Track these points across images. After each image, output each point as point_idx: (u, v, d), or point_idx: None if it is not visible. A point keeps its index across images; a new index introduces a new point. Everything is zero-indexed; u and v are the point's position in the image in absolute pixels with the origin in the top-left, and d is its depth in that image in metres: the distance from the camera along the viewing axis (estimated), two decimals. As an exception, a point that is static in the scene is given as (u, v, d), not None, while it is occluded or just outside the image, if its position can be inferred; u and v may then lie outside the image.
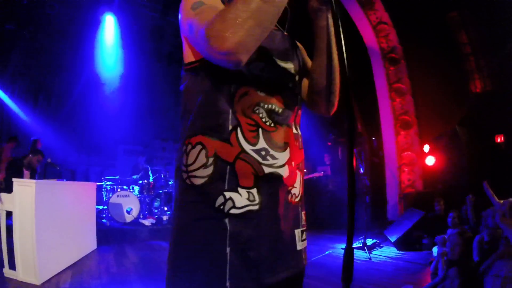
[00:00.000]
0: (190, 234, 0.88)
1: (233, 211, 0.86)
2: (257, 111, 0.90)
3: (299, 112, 1.06)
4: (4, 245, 3.34)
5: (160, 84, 10.24)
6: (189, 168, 0.90)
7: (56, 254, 3.67)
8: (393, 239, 5.47)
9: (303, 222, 1.04)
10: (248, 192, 0.87)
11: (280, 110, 0.95)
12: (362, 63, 8.06)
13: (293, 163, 0.96)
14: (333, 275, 3.99)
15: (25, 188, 3.33)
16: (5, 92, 7.98)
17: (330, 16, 1.01)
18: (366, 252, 4.99)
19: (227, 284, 0.83)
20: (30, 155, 5.78)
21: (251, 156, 0.88)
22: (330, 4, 0.91)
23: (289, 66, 1.01)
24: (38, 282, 3.22)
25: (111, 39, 8.65)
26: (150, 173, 7.44)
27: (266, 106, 0.92)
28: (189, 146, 0.91)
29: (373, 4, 7.61)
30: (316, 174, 7.82)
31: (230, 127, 0.88)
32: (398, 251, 5.27)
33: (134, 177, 7.22)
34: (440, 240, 4.07)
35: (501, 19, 5.89)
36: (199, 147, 0.89)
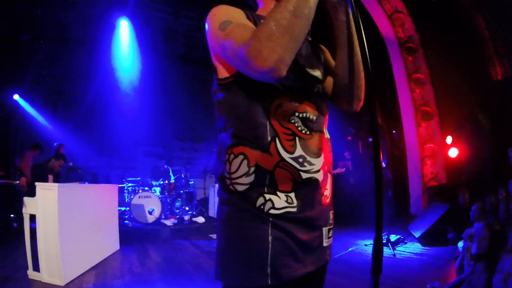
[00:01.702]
0: (236, 224, 0.96)
1: (272, 211, 0.93)
2: (292, 121, 0.95)
3: (327, 116, 1.10)
4: (28, 248, 3.43)
5: (176, 85, 10.32)
6: (232, 176, 0.96)
7: (79, 255, 3.74)
8: (417, 234, 5.34)
9: (331, 221, 1.09)
10: (287, 196, 0.95)
11: (315, 118, 1.00)
12: (379, 54, 7.89)
13: (326, 167, 1.03)
14: (357, 271, 3.94)
15: (47, 192, 3.41)
16: (26, 100, 8.22)
17: (349, 10, 1.04)
18: (390, 249, 4.88)
19: (268, 270, 0.90)
20: (53, 160, 5.93)
21: (290, 164, 0.94)
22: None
23: (317, 73, 1.05)
24: (62, 283, 3.29)
25: (126, 43, 8.78)
26: (171, 173, 7.51)
27: (301, 115, 0.97)
28: (232, 156, 0.97)
29: (388, -7, 7.45)
30: (338, 170, 7.70)
31: (269, 138, 0.93)
32: (422, 247, 5.13)
33: (154, 183, 7.30)
34: (466, 234, 3.94)
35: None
36: (241, 157, 0.95)
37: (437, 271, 3.91)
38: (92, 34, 8.29)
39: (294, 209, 0.94)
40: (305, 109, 0.97)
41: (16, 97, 7.95)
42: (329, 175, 1.06)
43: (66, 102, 9.10)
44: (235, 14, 0.98)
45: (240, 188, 0.95)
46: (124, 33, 8.60)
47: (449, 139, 7.00)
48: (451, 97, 7.03)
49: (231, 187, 0.97)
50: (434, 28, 7.05)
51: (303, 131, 0.97)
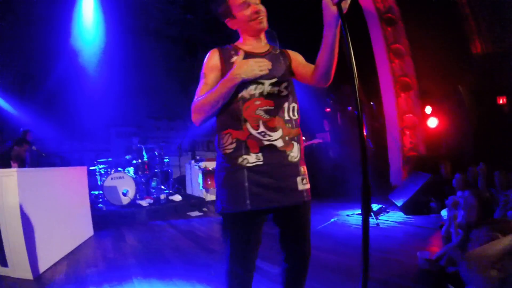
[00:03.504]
0: (226, 175, 1.50)
1: (248, 164, 1.47)
2: (257, 112, 1.49)
3: (290, 105, 1.57)
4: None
5: (149, 62, 9.78)
6: (224, 145, 1.52)
7: (49, 245, 3.46)
8: (399, 203, 5.33)
9: (303, 172, 1.57)
10: (256, 155, 1.48)
11: (273, 108, 1.51)
12: (358, 25, 7.69)
13: (286, 137, 1.52)
14: (342, 245, 3.87)
15: (6, 179, 3.08)
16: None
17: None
18: (373, 218, 4.85)
19: (248, 201, 1.45)
20: (15, 147, 5.49)
21: (256, 136, 1.48)
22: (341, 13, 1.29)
23: (274, 80, 1.54)
24: (31, 276, 3.04)
25: (92, 18, 8.13)
26: (144, 152, 7.18)
27: (262, 108, 1.49)
28: (224, 134, 1.53)
29: (367, -38, 7.18)
30: (314, 141, 7.61)
31: (243, 122, 1.48)
32: (405, 216, 5.13)
33: (127, 157, 6.97)
34: (450, 201, 3.90)
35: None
36: (228, 134, 1.51)
37: (422, 240, 3.89)
38: (57, 11, 7.61)
39: (261, 163, 1.47)
40: (266, 104, 1.50)
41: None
42: (294, 143, 1.55)
43: (34, 85, 8.43)
44: (209, 70, 1.56)
45: (228, 151, 1.50)
46: (88, 6, 7.96)
47: (428, 109, 6.99)
48: (430, 69, 6.97)
49: (222, 152, 1.52)
50: (414, 0, 6.89)
51: (264, 116, 1.49)
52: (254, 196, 1.44)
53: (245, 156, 1.47)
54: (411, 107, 7.33)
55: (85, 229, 4.59)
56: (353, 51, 1.21)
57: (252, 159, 1.46)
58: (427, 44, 6.93)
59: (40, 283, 2.97)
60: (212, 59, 1.58)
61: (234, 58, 1.54)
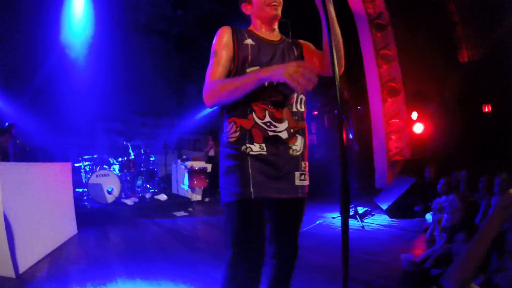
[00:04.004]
0: (230, 162, 1.48)
1: (251, 153, 1.45)
2: (264, 103, 1.47)
3: (299, 96, 1.56)
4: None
5: (137, 57, 9.70)
6: (229, 133, 1.50)
7: (31, 242, 3.37)
8: (384, 206, 5.41)
9: (303, 168, 1.57)
10: (260, 145, 1.46)
11: (280, 99, 1.49)
12: (348, 30, 7.77)
13: (291, 130, 1.51)
14: (328, 245, 3.91)
15: (-13, 173, 2.98)
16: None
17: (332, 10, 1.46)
18: (358, 221, 4.91)
19: (251, 190, 1.41)
20: (-2, 138, 5.36)
21: (261, 125, 1.46)
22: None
23: None
24: (13, 275, 2.94)
25: (82, 12, 8.00)
26: (130, 150, 7.08)
27: (270, 99, 1.48)
28: (228, 123, 1.51)
29: (359, -31, 7.27)
30: None
31: (248, 112, 1.46)
32: (390, 219, 5.21)
33: (112, 160, 6.88)
34: (436, 206, 3.98)
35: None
36: (233, 123, 1.49)
37: (406, 243, 3.96)
38: (44, 2, 7.46)
39: (265, 153, 1.46)
40: (274, 95, 1.47)
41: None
42: (299, 136, 1.54)
43: (20, 78, 8.26)
44: (221, 47, 1.51)
45: (232, 139, 1.48)
46: (79, 2, 7.82)
47: (414, 115, 7.11)
48: (418, 75, 7.10)
49: (226, 139, 1.51)
50: (405, 7, 7.01)
51: (271, 107, 1.47)
52: (257, 185, 1.42)
53: (248, 145, 1.45)
54: (398, 112, 7.45)
55: (68, 227, 4.49)
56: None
57: (256, 148, 1.45)
58: (416, 50, 7.05)
59: (22, 281, 2.89)
60: (224, 36, 1.53)
61: (247, 41, 1.53)
